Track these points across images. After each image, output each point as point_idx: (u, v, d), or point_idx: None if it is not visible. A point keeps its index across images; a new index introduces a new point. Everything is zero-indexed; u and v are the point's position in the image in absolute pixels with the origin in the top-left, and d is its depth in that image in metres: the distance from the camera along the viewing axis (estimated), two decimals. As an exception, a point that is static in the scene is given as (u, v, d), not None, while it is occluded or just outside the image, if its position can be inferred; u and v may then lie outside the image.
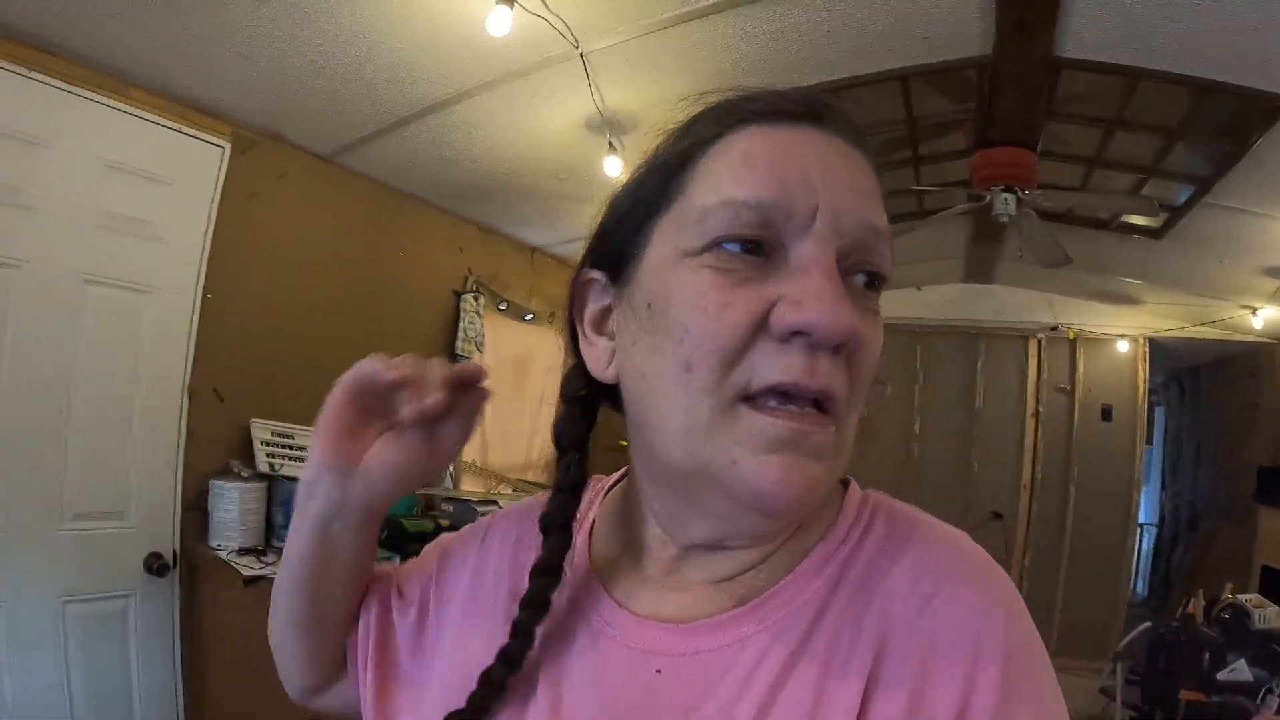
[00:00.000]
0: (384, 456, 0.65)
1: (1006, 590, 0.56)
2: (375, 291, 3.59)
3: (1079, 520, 5.62)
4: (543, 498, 0.69)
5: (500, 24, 2.22)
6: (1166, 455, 7.75)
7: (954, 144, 3.67)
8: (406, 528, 2.82)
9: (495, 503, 3.41)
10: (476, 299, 4.13)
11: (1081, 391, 5.70)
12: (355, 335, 3.40)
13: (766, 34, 2.54)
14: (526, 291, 4.49)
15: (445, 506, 3.28)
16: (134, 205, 2.59)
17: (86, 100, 2.43)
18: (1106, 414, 5.65)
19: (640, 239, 0.58)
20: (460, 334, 4.05)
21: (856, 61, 2.76)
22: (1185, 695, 3.28)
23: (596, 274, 0.62)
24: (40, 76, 2.31)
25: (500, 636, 0.62)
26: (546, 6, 2.33)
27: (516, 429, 4.52)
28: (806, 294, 0.51)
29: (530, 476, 4.45)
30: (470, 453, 4.18)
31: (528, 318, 4.50)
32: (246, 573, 2.44)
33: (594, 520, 0.70)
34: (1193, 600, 3.67)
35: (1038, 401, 5.78)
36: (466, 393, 0.64)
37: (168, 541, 2.67)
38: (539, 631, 0.62)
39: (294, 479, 2.62)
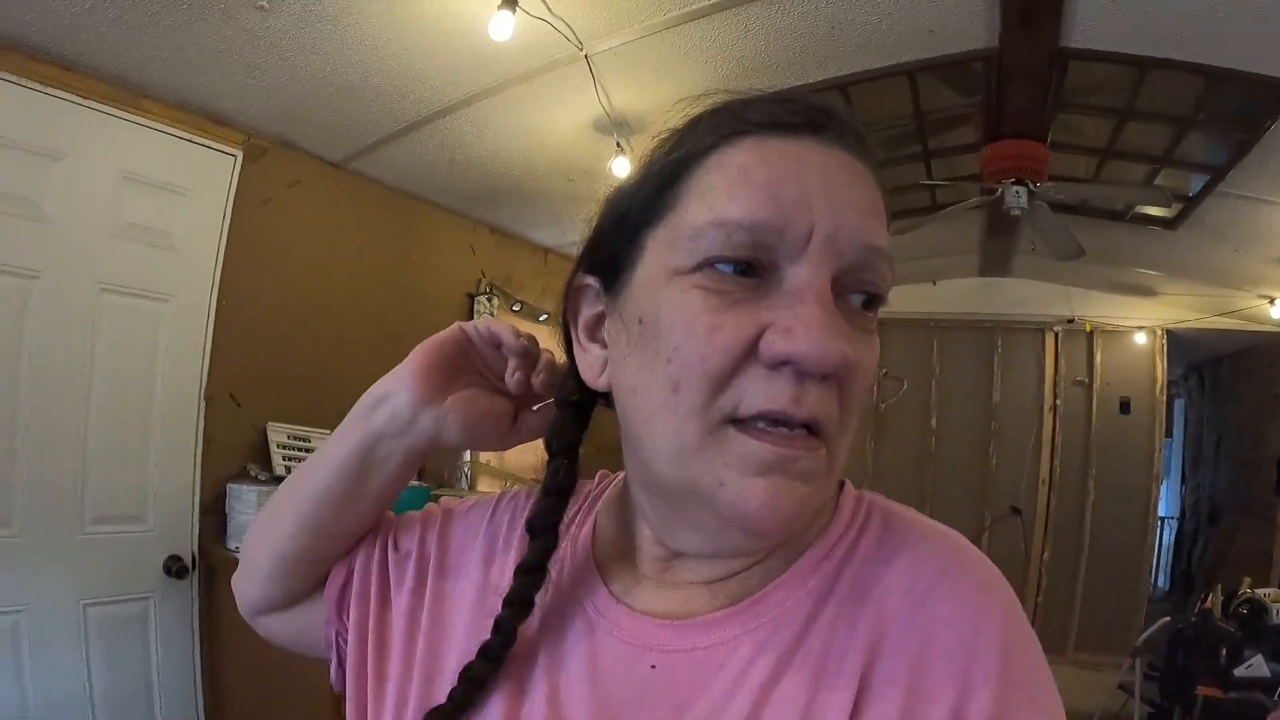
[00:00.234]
0: (467, 406, 0.68)
1: (1003, 590, 0.56)
2: (388, 295, 3.62)
3: (1098, 515, 5.56)
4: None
5: (502, 29, 2.24)
6: (1187, 448, 7.65)
7: (964, 138, 3.64)
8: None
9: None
10: (490, 301, 4.14)
11: (1099, 384, 5.64)
12: (369, 339, 3.43)
13: (770, 31, 2.54)
14: (540, 292, 4.50)
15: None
16: (149, 215, 2.63)
17: (101, 113, 2.47)
18: (1125, 407, 5.59)
19: (633, 249, 0.57)
20: (474, 335, 4.07)
21: (861, 57, 2.75)
22: (1202, 691, 3.23)
23: (590, 280, 0.62)
24: (56, 91, 2.35)
25: (482, 630, 0.63)
26: (549, 10, 2.35)
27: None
28: (797, 322, 0.49)
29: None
30: (485, 453, 4.21)
31: (541, 318, 4.51)
32: (264, 574, 2.47)
33: (598, 514, 0.70)
34: (1211, 595, 3.63)
35: (1055, 395, 5.72)
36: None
37: (186, 544, 2.71)
38: (522, 628, 0.62)
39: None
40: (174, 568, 2.64)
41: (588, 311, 0.62)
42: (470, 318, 4.04)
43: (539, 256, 4.53)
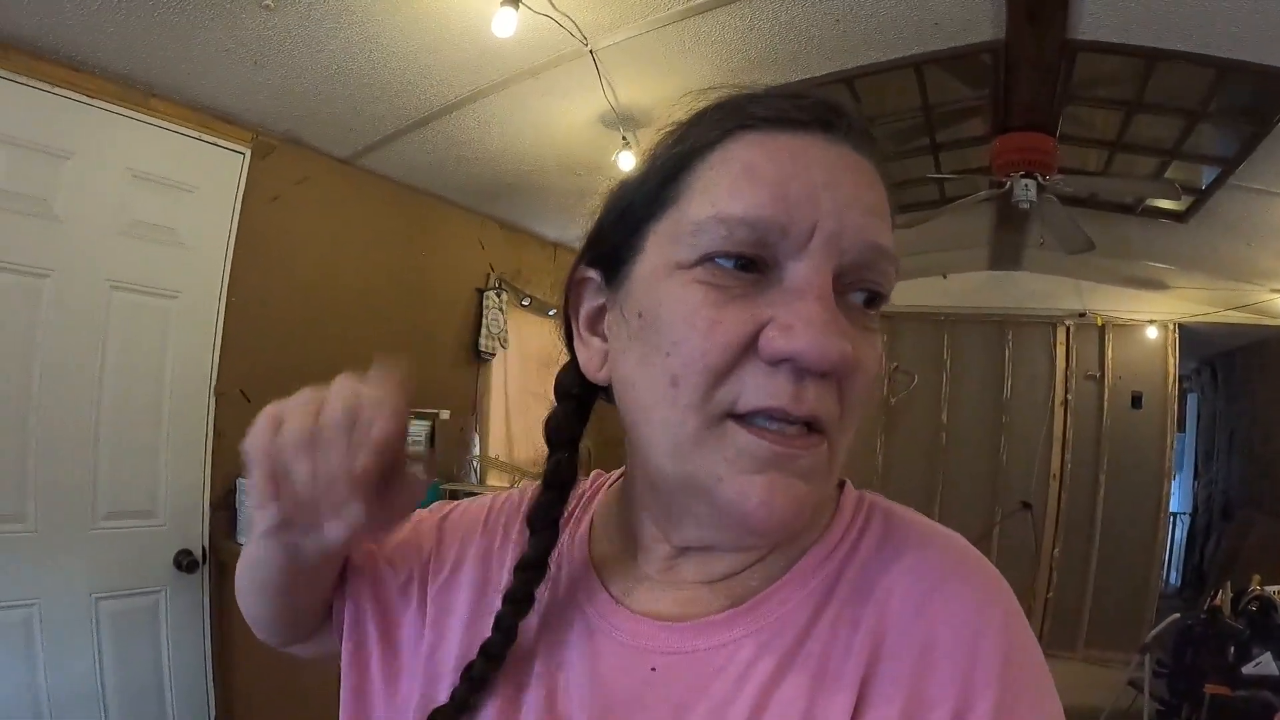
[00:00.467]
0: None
1: (1004, 592, 0.56)
2: (398, 290, 3.64)
3: (1109, 510, 5.53)
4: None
5: (505, 25, 2.25)
6: (1200, 443, 7.60)
7: (973, 130, 3.63)
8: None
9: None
10: (499, 295, 4.16)
11: (1111, 379, 5.61)
12: (378, 334, 3.45)
13: (775, 24, 2.54)
14: (549, 287, 4.50)
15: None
16: (158, 212, 2.65)
17: (110, 112, 2.49)
18: (1137, 401, 5.55)
19: (635, 243, 0.57)
20: (484, 331, 4.08)
21: (867, 50, 2.75)
22: (1210, 689, 3.22)
23: (592, 273, 0.61)
24: (64, 91, 2.37)
25: (483, 629, 0.63)
26: (553, 6, 2.36)
27: (540, 423, 4.55)
28: (797, 319, 0.49)
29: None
30: (495, 447, 4.22)
31: (551, 313, 4.52)
32: (273, 568, 2.49)
33: (594, 515, 0.70)
34: (1220, 592, 3.61)
35: (1066, 389, 5.69)
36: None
37: (197, 539, 2.73)
38: (523, 625, 0.62)
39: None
40: (184, 562, 2.67)
41: (589, 304, 0.62)
42: (480, 312, 4.06)
43: (548, 251, 4.54)
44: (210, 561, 2.75)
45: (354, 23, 2.38)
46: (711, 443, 0.51)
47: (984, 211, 4.34)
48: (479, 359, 4.12)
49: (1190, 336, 5.65)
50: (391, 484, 0.55)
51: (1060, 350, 5.74)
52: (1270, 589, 3.51)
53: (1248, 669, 3.21)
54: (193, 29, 2.32)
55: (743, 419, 0.51)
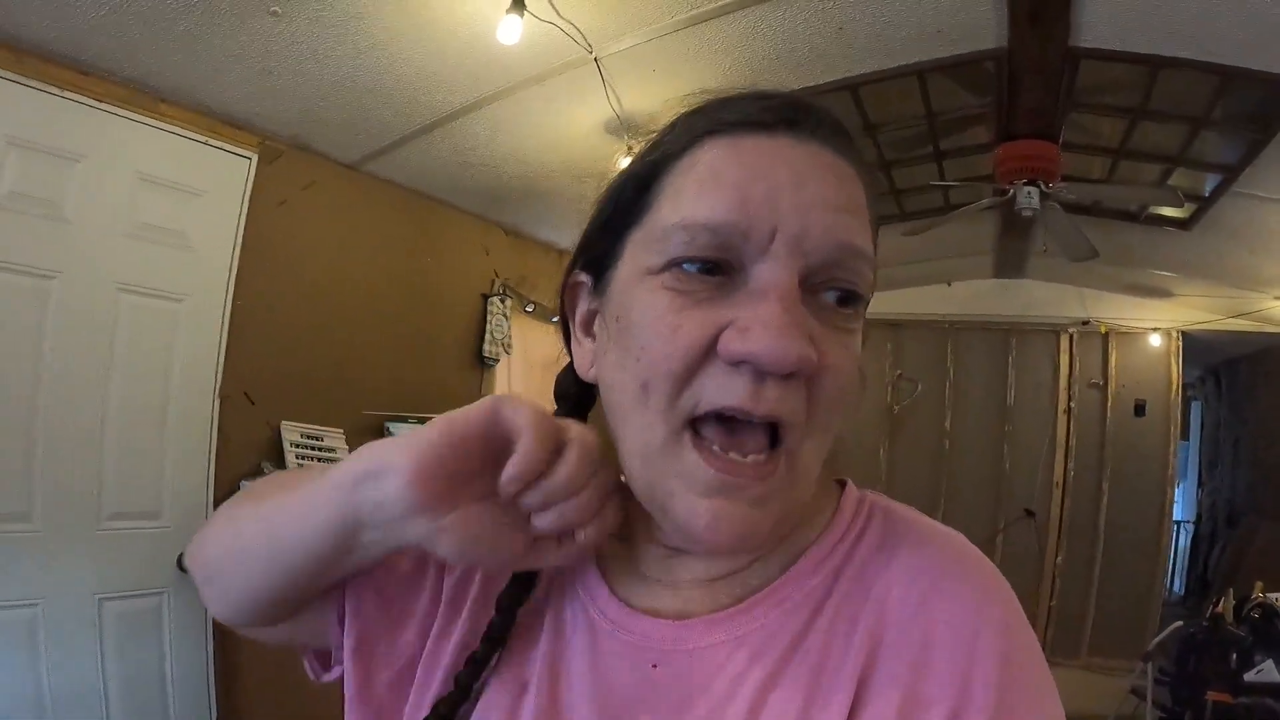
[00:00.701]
0: (468, 527, 0.53)
1: (1004, 590, 0.55)
2: (403, 295, 3.65)
3: (1112, 518, 5.50)
4: None
5: (510, 33, 2.27)
6: (1204, 451, 7.57)
7: (977, 138, 3.64)
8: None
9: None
10: (504, 301, 4.17)
11: (1114, 386, 5.58)
12: (383, 339, 3.47)
13: (778, 32, 2.55)
14: (554, 293, 4.42)
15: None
16: (166, 216, 2.67)
17: (119, 116, 2.52)
18: (1140, 409, 5.53)
19: (616, 249, 0.57)
20: (488, 336, 4.09)
21: (870, 58, 2.76)
22: (1213, 696, 3.20)
23: (584, 277, 0.62)
24: (74, 95, 2.40)
25: (484, 615, 0.63)
26: (558, 13, 2.37)
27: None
28: (754, 321, 0.49)
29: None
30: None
31: (555, 319, 4.52)
32: (276, 570, 2.49)
33: None
34: (1223, 599, 3.59)
35: (1070, 397, 5.67)
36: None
37: (201, 541, 2.73)
38: (527, 622, 0.63)
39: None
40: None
41: (583, 307, 0.63)
42: (484, 318, 4.07)
43: (553, 257, 4.55)
44: (214, 563, 2.75)
45: (361, 30, 2.40)
46: (671, 453, 0.52)
47: (988, 219, 4.34)
48: (483, 364, 4.13)
49: (1194, 344, 5.63)
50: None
51: (1064, 358, 5.71)
52: (1273, 596, 3.50)
53: (1250, 676, 3.20)
54: (201, 35, 2.34)
55: (700, 434, 0.51)
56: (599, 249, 0.60)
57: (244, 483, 2.78)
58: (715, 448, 0.51)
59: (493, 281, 4.16)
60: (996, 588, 0.55)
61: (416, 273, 3.73)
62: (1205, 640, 3.42)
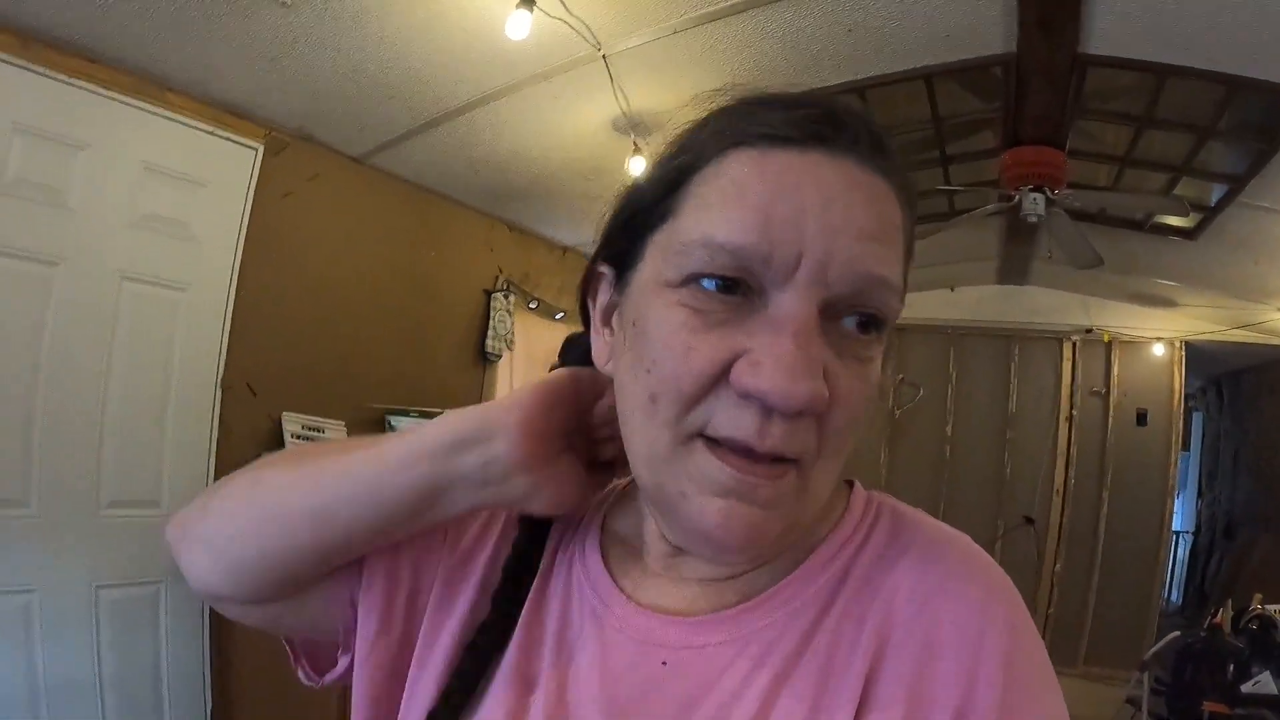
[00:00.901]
0: (563, 481, 0.62)
1: (1009, 593, 0.56)
2: (406, 289, 3.65)
3: (1112, 527, 5.50)
4: None
5: (519, 28, 2.27)
6: (1204, 462, 7.57)
7: (984, 143, 3.64)
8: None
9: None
10: (507, 297, 4.17)
11: (1116, 395, 5.59)
12: (385, 333, 3.47)
13: (787, 33, 2.55)
14: (557, 290, 4.52)
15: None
16: (170, 205, 2.67)
17: (125, 105, 2.52)
18: (1142, 418, 5.53)
19: (638, 250, 0.56)
20: (490, 332, 4.10)
21: (878, 60, 2.76)
22: (1209, 707, 3.20)
23: (606, 269, 0.61)
24: (81, 83, 2.40)
25: (470, 620, 0.64)
26: (567, 9, 2.37)
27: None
28: (767, 357, 0.48)
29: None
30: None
31: (558, 316, 4.54)
32: (274, 562, 2.49)
33: (607, 509, 0.70)
34: (1221, 610, 3.59)
35: (1072, 405, 5.67)
36: None
37: (200, 531, 2.73)
38: (535, 617, 0.63)
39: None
40: (186, 553, 2.67)
41: (604, 298, 0.62)
42: (487, 315, 4.07)
43: (556, 254, 4.55)
44: (212, 554, 2.75)
45: (369, 22, 2.40)
46: (681, 458, 0.52)
47: (993, 225, 4.35)
48: (485, 360, 4.13)
49: (1196, 355, 5.64)
50: None
51: (1066, 365, 5.72)
52: (1271, 608, 3.49)
53: (1246, 687, 3.19)
54: (209, 25, 2.34)
55: (712, 440, 0.51)
56: (620, 245, 0.59)
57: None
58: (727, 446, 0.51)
59: (496, 278, 4.16)
60: (1002, 588, 0.56)
61: (420, 267, 3.73)
62: (1202, 651, 3.42)
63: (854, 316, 0.51)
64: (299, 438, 3.00)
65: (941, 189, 3.93)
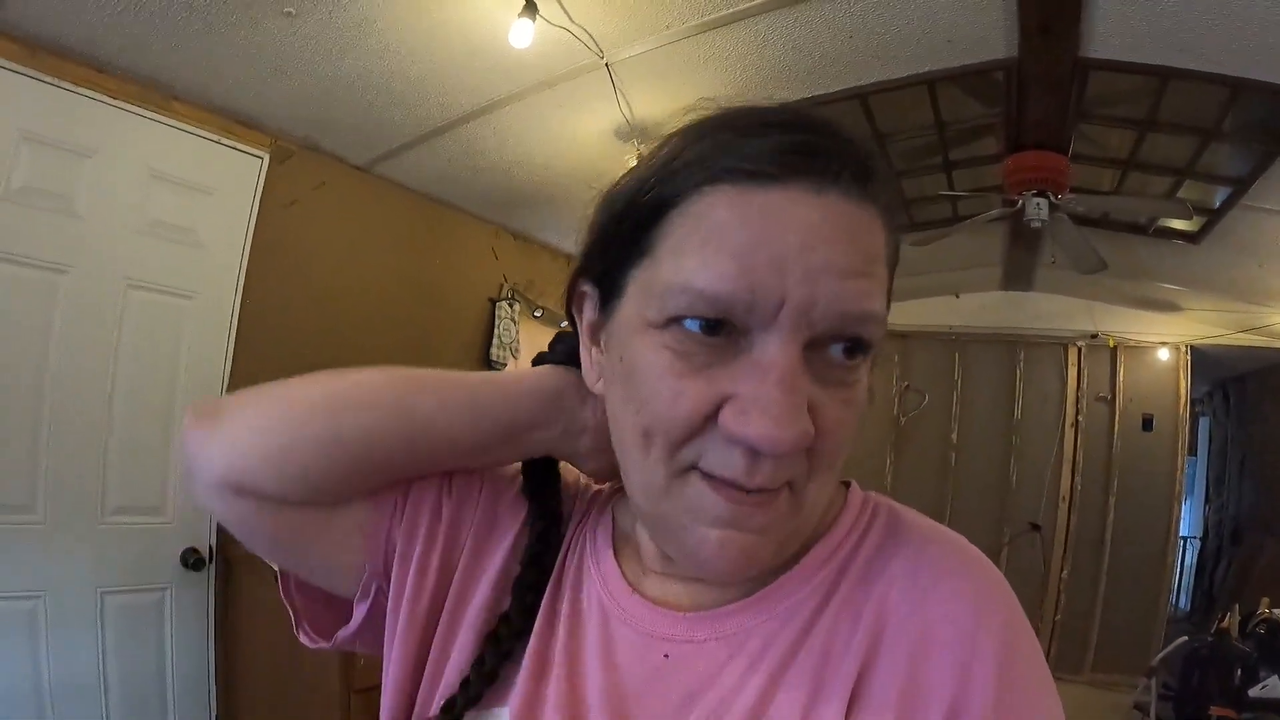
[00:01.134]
0: (609, 455, 0.63)
1: (1004, 591, 0.56)
2: (411, 298, 3.66)
3: (1119, 533, 5.47)
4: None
5: (522, 36, 2.28)
6: (1211, 467, 7.53)
7: (986, 148, 3.64)
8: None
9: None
10: (512, 305, 4.18)
11: (1122, 401, 5.56)
12: (390, 341, 3.48)
13: (788, 40, 2.56)
14: (561, 298, 4.51)
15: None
16: (176, 213, 2.69)
17: (132, 113, 2.54)
18: (1147, 424, 5.50)
19: (620, 281, 0.56)
20: (495, 340, 4.10)
21: (880, 66, 2.77)
22: (1216, 711, 3.19)
23: (590, 289, 0.61)
24: (88, 91, 2.42)
25: (494, 600, 0.65)
26: (570, 19, 2.39)
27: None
28: (754, 405, 0.48)
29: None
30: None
31: (563, 324, 4.52)
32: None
33: (614, 504, 0.71)
34: (1228, 615, 3.58)
35: (1077, 411, 5.65)
36: None
37: (204, 537, 2.74)
38: (548, 604, 0.64)
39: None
40: (191, 560, 2.68)
41: (589, 316, 0.61)
42: (492, 323, 4.08)
43: (561, 262, 4.56)
44: (216, 560, 2.76)
45: (373, 32, 2.42)
46: (676, 490, 0.53)
47: (996, 231, 4.34)
48: (490, 368, 4.14)
49: (1202, 359, 5.61)
50: None
51: (1072, 371, 5.69)
52: (1279, 612, 3.48)
53: (1254, 692, 3.18)
54: (215, 34, 2.36)
55: (706, 472, 0.52)
56: (600, 269, 0.59)
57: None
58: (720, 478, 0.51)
59: (501, 286, 4.17)
60: (997, 587, 0.56)
61: (425, 275, 3.74)
62: (1210, 656, 3.41)
63: (838, 345, 0.51)
64: (304, 445, 3.01)
65: (945, 194, 3.93)
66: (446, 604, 0.67)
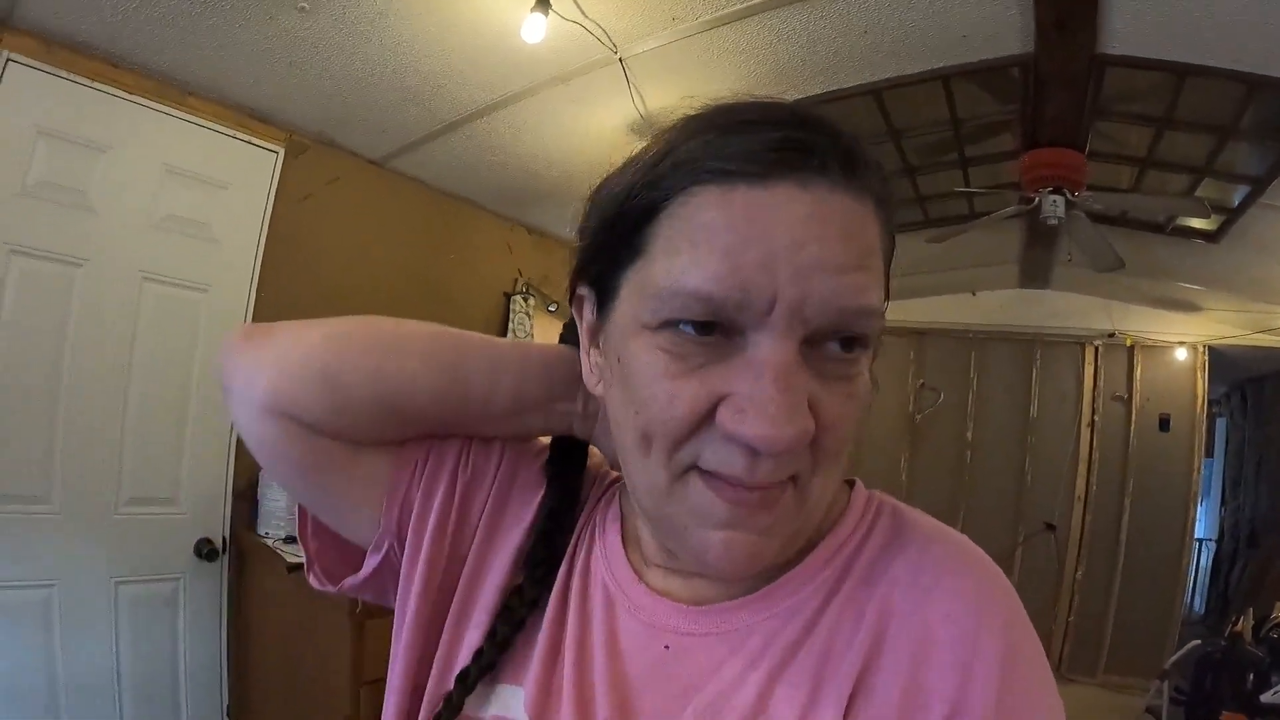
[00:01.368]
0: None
1: (1006, 589, 0.57)
2: (425, 292, 3.67)
3: (1134, 534, 5.41)
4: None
5: (534, 31, 2.28)
6: (1228, 468, 7.44)
7: (1003, 145, 3.61)
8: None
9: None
10: (526, 300, 4.18)
11: (1139, 401, 5.51)
12: (404, 334, 3.48)
13: (803, 35, 2.55)
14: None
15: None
16: (191, 207, 2.71)
17: (147, 108, 2.55)
18: (1164, 424, 5.45)
19: (615, 282, 0.56)
20: (510, 334, 4.11)
21: (895, 62, 2.75)
22: (1228, 717, 3.16)
23: (587, 292, 0.61)
24: (105, 87, 2.44)
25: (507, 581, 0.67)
26: (583, 13, 2.38)
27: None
28: (750, 404, 0.49)
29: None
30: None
31: (576, 320, 4.54)
32: (292, 560, 2.49)
33: (622, 490, 0.72)
34: (1241, 619, 3.54)
35: (1094, 410, 5.60)
36: None
37: (218, 528, 2.77)
38: (559, 588, 0.66)
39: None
40: (205, 550, 2.71)
41: (589, 317, 0.62)
42: (506, 318, 4.09)
43: (575, 257, 4.56)
44: (230, 551, 2.79)
45: (387, 26, 2.42)
46: (678, 493, 0.53)
47: (1013, 228, 4.31)
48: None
49: (1220, 359, 5.54)
50: None
51: (1088, 370, 5.64)
52: (1293, 616, 3.45)
53: (1266, 697, 3.15)
54: (230, 29, 2.37)
55: (705, 472, 0.52)
56: (595, 271, 0.59)
57: (263, 473, 2.80)
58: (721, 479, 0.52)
59: (515, 280, 4.18)
60: (999, 587, 0.57)
61: (439, 270, 3.75)
62: (1222, 660, 3.37)
63: (836, 340, 0.51)
64: (317, 437, 3.02)
65: (961, 191, 3.91)
66: (460, 583, 0.68)
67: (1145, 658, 4.95)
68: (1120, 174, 3.67)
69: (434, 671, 0.66)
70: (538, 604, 0.65)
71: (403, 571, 0.69)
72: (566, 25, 2.39)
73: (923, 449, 5.87)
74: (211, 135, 2.73)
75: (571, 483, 0.71)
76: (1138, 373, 5.54)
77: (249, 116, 2.84)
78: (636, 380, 0.53)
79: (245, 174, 2.87)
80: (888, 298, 0.56)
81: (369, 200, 3.38)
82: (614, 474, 0.75)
